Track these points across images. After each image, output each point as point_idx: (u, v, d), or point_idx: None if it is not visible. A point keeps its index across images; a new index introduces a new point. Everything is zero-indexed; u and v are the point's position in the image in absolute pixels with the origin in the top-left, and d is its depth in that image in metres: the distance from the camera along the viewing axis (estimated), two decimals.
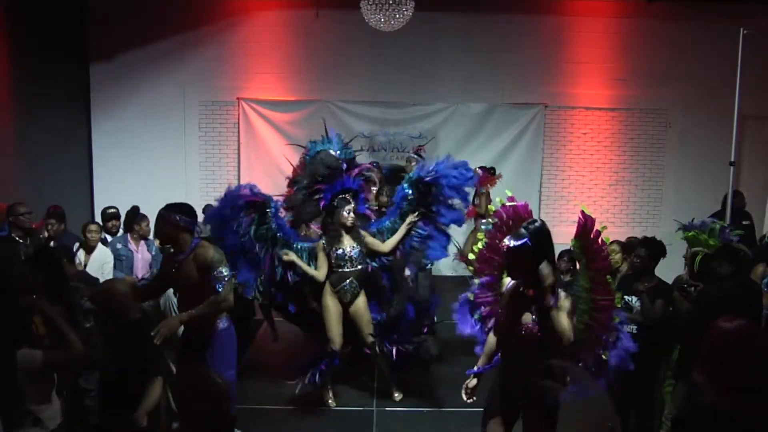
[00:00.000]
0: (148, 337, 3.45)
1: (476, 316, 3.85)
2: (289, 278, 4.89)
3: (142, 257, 5.91)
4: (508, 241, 3.17)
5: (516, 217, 3.72)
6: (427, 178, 4.92)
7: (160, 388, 3.38)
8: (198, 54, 9.05)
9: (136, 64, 9.00)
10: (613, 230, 8.67)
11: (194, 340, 3.92)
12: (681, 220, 4.99)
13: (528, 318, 3.17)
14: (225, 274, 3.81)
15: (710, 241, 4.51)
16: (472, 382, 3.42)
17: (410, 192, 5.01)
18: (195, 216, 3.99)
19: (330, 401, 5.03)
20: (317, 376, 4.89)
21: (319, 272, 4.85)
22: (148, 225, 5.98)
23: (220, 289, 3.78)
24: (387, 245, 4.96)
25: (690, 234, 4.66)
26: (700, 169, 9.14)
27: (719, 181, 8.08)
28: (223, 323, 3.94)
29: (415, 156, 7.68)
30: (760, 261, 5.00)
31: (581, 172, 9.37)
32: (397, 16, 6.90)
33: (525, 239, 3.12)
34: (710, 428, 2.43)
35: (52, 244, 5.73)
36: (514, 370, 3.28)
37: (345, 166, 5.00)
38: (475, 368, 3.43)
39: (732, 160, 7.54)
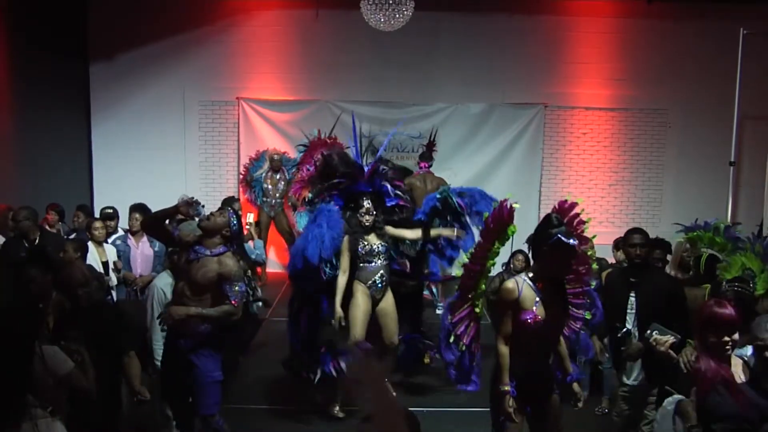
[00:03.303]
0: (118, 319, 3.71)
1: (452, 339, 3.57)
2: (324, 275, 4.81)
3: (141, 253, 5.82)
4: (573, 240, 3.16)
5: (500, 219, 3.49)
6: (460, 201, 4.95)
7: (137, 360, 3.70)
8: (198, 54, 9.05)
9: (136, 64, 9.01)
10: (613, 230, 8.68)
11: (181, 339, 3.91)
12: (681, 220, 4.99)
13: (561, 312, 3.32)
14: (242, 290, 3.91)
15: (716, 239, 4.48)
16: (513, 402, 3.24)
17: (438, 204, 5.06)
18: (241, 233, 4.10)
19: (336, 411, 4.84)
20: (332, 368, 4.74)
21: (342, 275, 4.74)
22: (137, 220, 5.93)
23: (234, 302, 3.85)
24: (413, 233, 4.95)
25: (693, 234, 4.63)
26: (700, 169, 9.14)
27: (719, 181, 8.08)
28: (207, 326, 3.93)
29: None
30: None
31: (581, 172, 9.37)
32: (397, 16, 6.90)
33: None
34: None
35: (73, 236, 5.75)
36: (542, 365, 3.33)
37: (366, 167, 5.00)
38: (509, 388, 3.25)
39: (732, 160, 7.55)
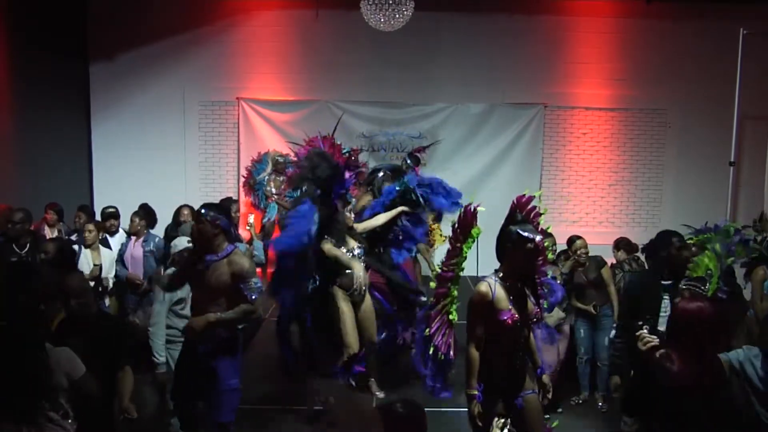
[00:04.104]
0: (115, 331, 3.69)
1: (431, 349, 3.53)
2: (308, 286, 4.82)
3: (131, 254, 5.83)
4: (533, 235, 3.17)
5: (465, 223, 3.52)
6: (420, 192, 4.97)
7: (131, 375, 3.65)
8: (198, 54, 9.05)
9: (136, 64, 9.01)
10: (613, 230, 8.72)
11: (200, 345, 3.84)
12: (681, 220, 4.98)
13: (531, 307, 3.32)
14: (259, 285, 3.84)
15: (727, 240, 4.47)
16: (479, 407, 3.22)
17: (396, 192, 5.16)
18: (231, 217, 3.98)
19: (378, 393, 4.94)
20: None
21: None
22: (140, 221, 5.92)
23: (254, 299, 3.79)
24: (378, 220, 5.02)
25: (702, 237, 4.62)
26: (700, 169, 9.14)
27: (719, 181, 8.09)
28: (228, 331, 3.89)
29: (409, 161, 7.61)
30: (760, 264, 4.97)
31: (581, 172, 9.37)
32: (397, 16, 6.90)
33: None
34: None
35: (75, 237, 5.73)
36: (517, 363, 3.31)
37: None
38: (476, 392, 3.24)
39: (732, 160, 7.56)
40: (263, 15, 9.09)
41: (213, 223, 3.77)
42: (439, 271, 3.57)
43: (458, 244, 3.49)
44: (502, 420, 3.11)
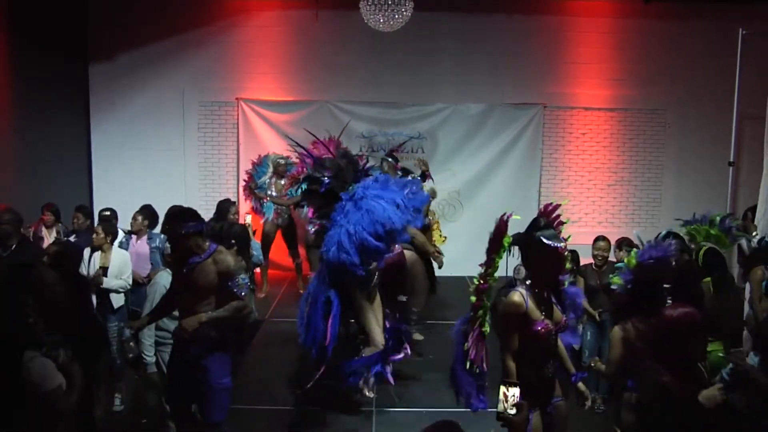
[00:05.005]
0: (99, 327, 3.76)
1: (468, 365, 3.45)
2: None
3: (136, 252, 5.84)
4: (555, 242, 3.14)
5: (499, 234, 3.44)
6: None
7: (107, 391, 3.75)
8: (197, 54, 9.05)
9: (136, 64, 9.00)
10: (613, 230, 8.71)
11: (189, 345, 3.84)
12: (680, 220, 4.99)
13: (559, 315, 3.31)
14: (246, 281, 3.89)
15: (711, 231, 4.49)
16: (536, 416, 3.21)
17: None
18: (199, 218, 3.94)
19: (368, 393, 4.90)
20: (373, 375, 4.86)
21: None
22: (143, 220, 5.94)
23: (243, 295, 3.84)
24: None
25: (691, 228, 4.65)
26: (700, 169, 9.15)
27: (719, 181, 8.09)
28: (217, 330, 3.89)
29: (390, 159, 7.59)
30: (759, 264, 4.98)
31: (580, 173, 9.37)
32: (397, 16, 6.90)
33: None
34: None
35: (73, 237, 5.71)
36: (548, 372, 3.32)
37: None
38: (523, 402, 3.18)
39: (731, 160, 7.56)
40: (263, 15, 9.09)
41: (182, 235, 3.78)
42: (478, 282, 3.48)
43: (493, 255, 3.44)
44: (514, 391, 3.09)
